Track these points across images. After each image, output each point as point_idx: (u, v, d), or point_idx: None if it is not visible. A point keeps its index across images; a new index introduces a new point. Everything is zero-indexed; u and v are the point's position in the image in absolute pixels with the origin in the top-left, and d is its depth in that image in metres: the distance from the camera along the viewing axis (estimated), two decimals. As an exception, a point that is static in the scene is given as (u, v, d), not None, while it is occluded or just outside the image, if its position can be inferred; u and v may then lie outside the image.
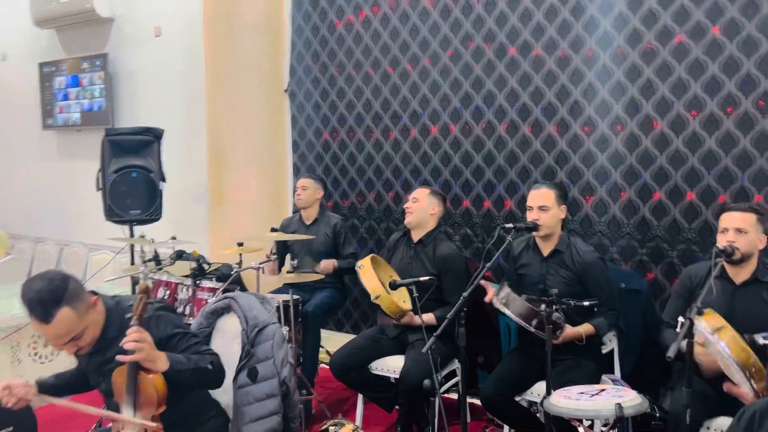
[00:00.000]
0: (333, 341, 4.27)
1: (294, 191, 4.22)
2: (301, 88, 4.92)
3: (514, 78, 3.95)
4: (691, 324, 2.10)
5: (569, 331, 2.79)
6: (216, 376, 2.07)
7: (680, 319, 2.13)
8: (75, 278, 1.97)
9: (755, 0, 3.19)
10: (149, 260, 3.45)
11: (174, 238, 3.62)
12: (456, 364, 3.34)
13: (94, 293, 2.05)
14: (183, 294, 3.28)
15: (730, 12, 3.25)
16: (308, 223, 4.11)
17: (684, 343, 2.13)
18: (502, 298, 2.79)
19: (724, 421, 2.42)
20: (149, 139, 4.70)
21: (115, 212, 4.54)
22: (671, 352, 1.92)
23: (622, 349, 3.21)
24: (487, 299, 2.84)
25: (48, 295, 1.88)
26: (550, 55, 3.80)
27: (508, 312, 2.76)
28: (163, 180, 4.78)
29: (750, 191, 3.26)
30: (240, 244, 3.31)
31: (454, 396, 3.58)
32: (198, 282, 3.26)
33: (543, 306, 2.60)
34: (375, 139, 4.56)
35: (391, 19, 4.42)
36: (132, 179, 4.61)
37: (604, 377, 3.07)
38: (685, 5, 3.37)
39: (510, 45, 3.94)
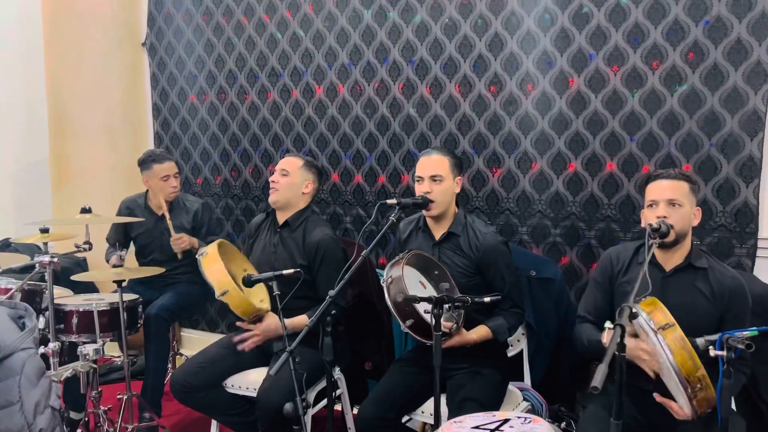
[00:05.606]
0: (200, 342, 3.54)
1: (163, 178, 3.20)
2: (161, 41, 4.08)
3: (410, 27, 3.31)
4: (623, 331, 1.53)
5: (457, 338, 2.19)
6: None
7: (608, 324, 1.56)
8: None
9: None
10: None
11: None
12: (337, 374, 2.70)
13: None
14: (-32, 298, 2.45)
15: None
16: (160, 213, 3.21)
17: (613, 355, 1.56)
18: (389, 278, 2.12)
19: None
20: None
21: None
22: (597, 383, 1.33)
23: (533, 350, 2.66)
24: None
25: None
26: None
27: (386, 297, 2.10)
28: (-13, 153, 3.87)
29: (677, 158, 2.77)
30: (44, 231, 2.50)
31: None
32: (-16, 282, 2.44)
33: (430, 305, 1.97)
34: (251, 102, 3.81)
35: (267, -43, 3.66)
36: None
37: (511, 386, 2.52)
38: None
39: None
